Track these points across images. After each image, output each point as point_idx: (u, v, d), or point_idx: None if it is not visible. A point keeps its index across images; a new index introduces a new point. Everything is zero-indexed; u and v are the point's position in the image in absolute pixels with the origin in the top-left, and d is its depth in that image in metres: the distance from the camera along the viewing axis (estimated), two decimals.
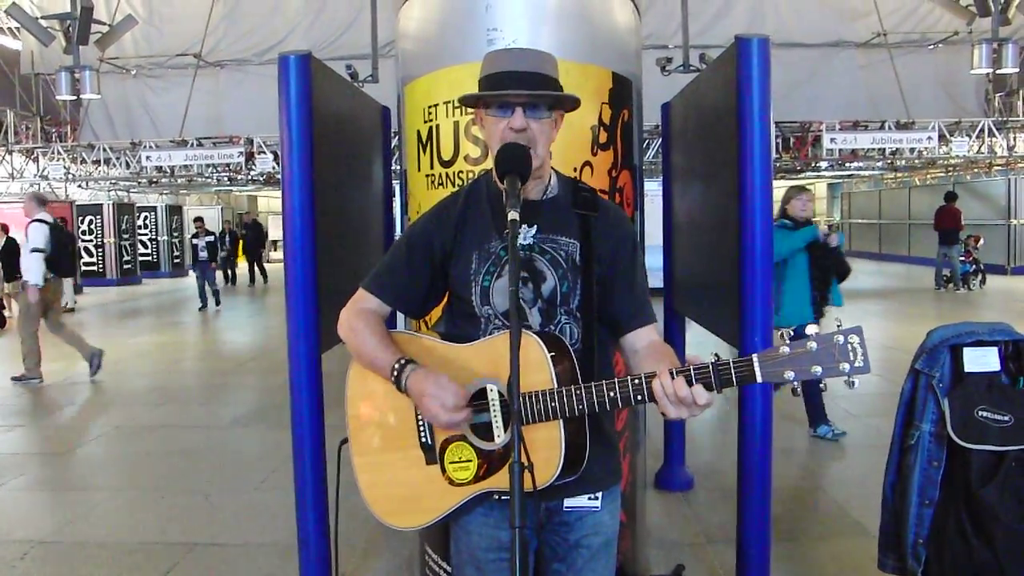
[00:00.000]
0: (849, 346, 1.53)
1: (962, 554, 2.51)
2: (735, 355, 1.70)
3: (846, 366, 1.52)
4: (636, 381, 1.63)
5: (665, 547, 3.96)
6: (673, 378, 1.58)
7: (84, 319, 14.34)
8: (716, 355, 1.60)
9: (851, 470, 5.13)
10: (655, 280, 4.51)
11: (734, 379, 1.57)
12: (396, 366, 1.77)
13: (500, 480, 1.75)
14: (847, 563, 3.78)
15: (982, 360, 2.57)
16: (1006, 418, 2.46)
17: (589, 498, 1.89)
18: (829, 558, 3.84)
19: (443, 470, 1.80)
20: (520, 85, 1.75)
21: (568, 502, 1.88)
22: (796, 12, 16.72)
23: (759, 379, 1.56)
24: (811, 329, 1.55)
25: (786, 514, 4.21)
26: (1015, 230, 19.33)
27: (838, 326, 1.56)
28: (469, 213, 1.90)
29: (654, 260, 4.21)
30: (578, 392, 1.66)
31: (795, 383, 1.56)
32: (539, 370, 1.69)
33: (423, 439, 1.82)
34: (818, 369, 1.53)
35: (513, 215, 1.66)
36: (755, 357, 1.56)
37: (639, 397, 1.63)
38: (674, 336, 4.72)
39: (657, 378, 1.60)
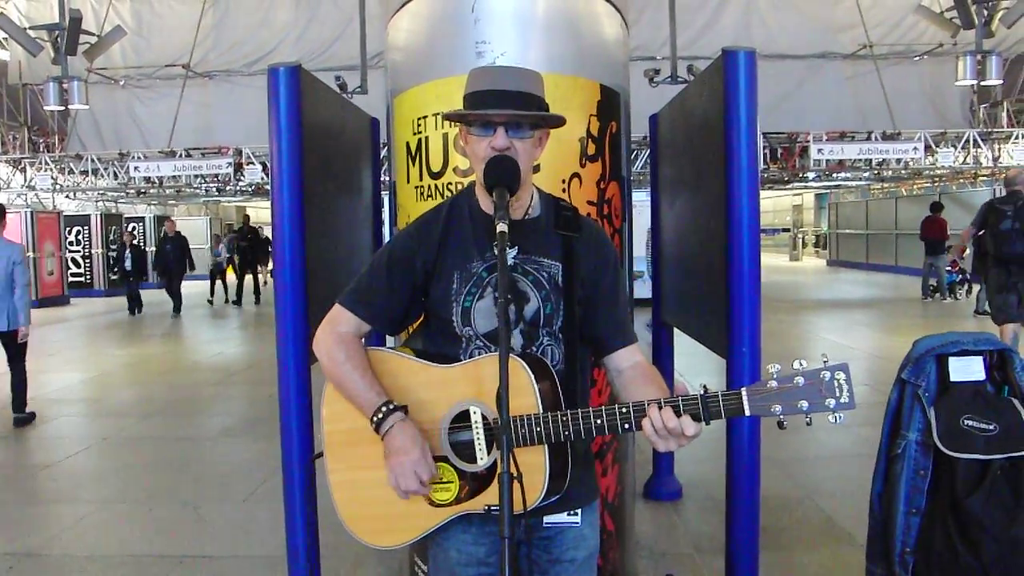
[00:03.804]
0: (835, 382, 1.57)
1: (949, 562, 2.52)
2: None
3: (832, 402, 1.57)
4: (624, 410, 1.64)
5: (654, 557, 3.96)
6: (661, 408, 1.60)
7: (72, 330, 14.26)
8: (704, 387, 1.62)
9: (839, 479, 5.14)
10: (644, 291, 4.53)
11: (723, 411, 1.60)
12: (380, 412, 1.75)
13: (481, 502, 1.76)
14: (835, 572, 3.78)
15: (967, 369, 2.59)
16: (991, 427, 2.48)
17: (569, 514, 1.89)
18: (817, 567, 3.85)
19: None
20: (502, 104, 1.75)
21: (548, 519, 1.88)
22: (783, 24, 16.87)
23: (747, 412, 1.59)
24: (798, 364, 1.58)
25: (774, 523, 4.22)
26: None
27: (825, 362, 1.59)
28: (451, 231, 1.89)
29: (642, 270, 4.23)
30: (564, 418, 1.66)
31: (782, 417, 1.59)
32: (525, 394, 1.69)
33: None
34: (804, 404, 1.57)
35: (502, 227, 1.66)
36: (744, 390, 1.59)
37: (626, 426, 1.65)
38: (662, 347, 4.74)
39: (647, 416, 1.61)
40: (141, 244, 22.46)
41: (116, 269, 18.24)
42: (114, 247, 20.61)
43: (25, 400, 7.08)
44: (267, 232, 23.27)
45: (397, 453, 1.71)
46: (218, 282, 18.61)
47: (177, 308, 16.23)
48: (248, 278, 18.71)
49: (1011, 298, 7.24)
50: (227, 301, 18.36)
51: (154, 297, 17.11)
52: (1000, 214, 7.25)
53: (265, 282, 21.95)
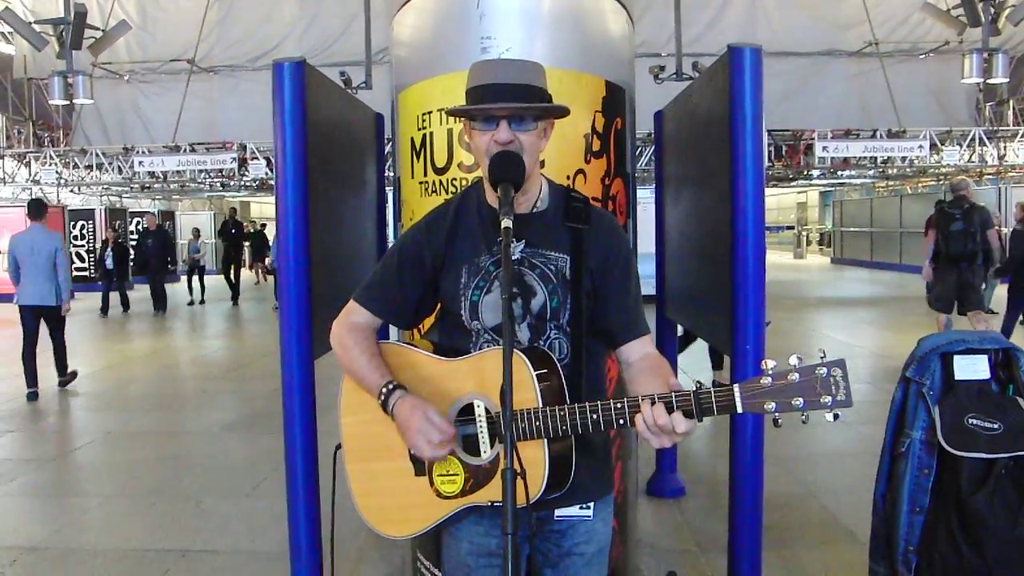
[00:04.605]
0: (832, 379, 1.53)
1: (952, 561, 2.51)
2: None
3: (828, 399, 1.53)
4: (619, 406, 1.63)
5: (657, 554, 3.96)
6: (653, 404, 1.59)
7: (75, 324, 14.27)
8: (699, 383, 1.61)
9: (842, 477, 5.14)
10: (647, 287, 4.53)
11: (715, 408, 1.58)
12: (383, 391, 1.77)
13: (487, 494, 1.76)
14: (838, 570, 3.78)
15: (972, 368, 2.58)
16: (996, 426, 2.47)
17: (581, 507, 1.89)
18: (820, 566, 3.85)
19: (431, 482, 1.81)
20: (504, 97, 1.74)
21: (559, 512, 1.88)
22: (788, 21, 16.86)
23: (739, 409, 1.56)
24: (794, 360, 1.54)
25: (777, 521, 4.21)
26: (1005, 239, 19.39)
27: (822, 357, 1.55)
28: (459, 226, 1.89)
29: (647, 268, 4.23)
30: (561, 413, 1.66)
31: (776, 414, 1.56)
32: (524, 389, 1.69)
33: (412, 451, 1.82)
34: (800, 401, 1.53)
35: (507, 223, 1.66)
36: (736, 387, 1.57)
37: (621, 421, 1.64)
38: (666, 343, 4.74)
39: (639, 413, 1.60)
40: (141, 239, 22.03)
41: (96, 269, 17.39)
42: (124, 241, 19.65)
43: (66, 364, 8.41)
44: (264, 226, 22.75)
45: (405, 428, 1.73)
46: (195, 281, 17.32)
47: (162, 307, 15.37)
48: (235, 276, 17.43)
49: (950, 292, 8.37)
50: (195, 302, 17.04)
51: (140, 294, 16.08)
52: (950, 217, 8.26)
53: (264, 278, 21.53)
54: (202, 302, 17.14)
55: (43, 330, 8.07)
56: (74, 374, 8.49)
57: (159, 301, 15.42)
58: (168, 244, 16.29)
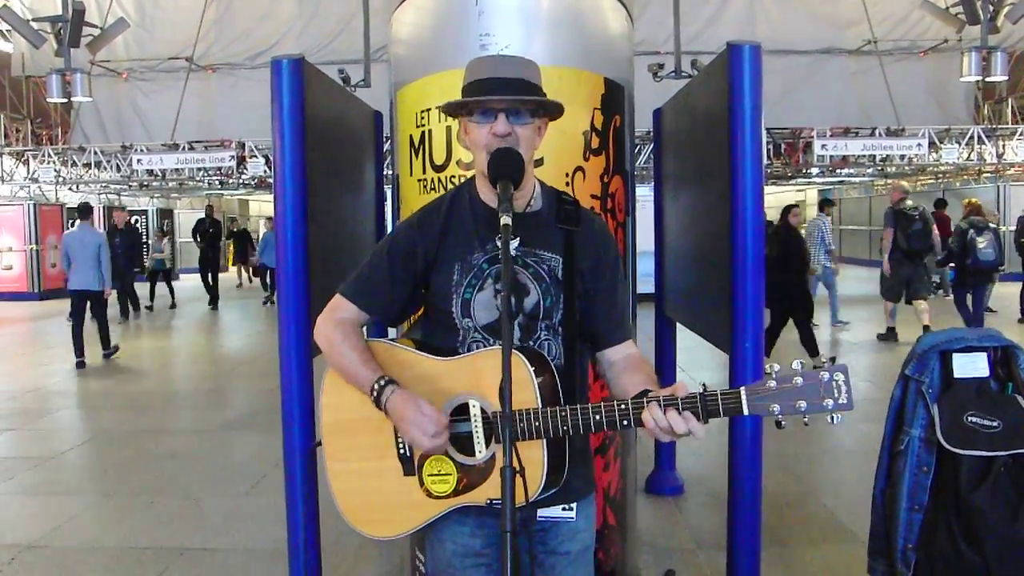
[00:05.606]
0: (834, 383, 1.58)
1: (952, 559, 2.51)
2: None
3: (830, 402, 1.58)
4: (623, 407, 1.64)
5: (655, 552, 3.96)
6: (663, 409, 1.60)
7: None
8: (704, 385, 1.63)
9: (841, 475, 5.14)
10: (647, 286, 4.52)
11: (721, 411, 1.60)
12: (376, 385, 1.74)
13: (479, 495, 1.75)
14: (837, 569, 3.78)
15: (971, 366, 2.57)
16: (995, 423, 2.47)
17: (564, 508, 1.89)
18: (819, 564, 3.85)
19: (421, 482, 1.79)
20: (503, 91, 1.75)
21: (542, 512, 1.87)
22: (787, 19, 16.82)
23: (746, 412, 1.59)
24: (797, 364, 1.60)
25: (776, 520, 4.22)
26: (1004, 237, 19.38)
27: (824, 362, 1.62)
28: (452, 222, 1.88)
29: (646, 266, 4.22)
30: (563, 414, 1.65)
31: (780, 417, 1.60)
32: (524, 389, 1.68)
33: (401, 450, 1.80)
34: (803, 404, 1.58)
35: (506, 219, 1.66)
36: (743, 390, 1.60)
37: (624, 422, 1.64)
38: (665, 342, 4.73)
39: (647, 411, 1.61)
40: (146, 237, 20.63)
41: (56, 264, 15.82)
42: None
43: (108, 340, 10.01)
44: (253, 225, 21.62)
45: (400, 420, 1.71)
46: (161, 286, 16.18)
47: (136, 307, 14.54)
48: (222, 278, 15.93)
49: (901, 284, 9.81)
50: (154, 308, 15.68)
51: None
52: (911, 219, 9.62)
53: (250, 280, 21.12)
54: (149, 307, 15.66)
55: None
56: (116, 347, 10.13)
57: (132, 304, 14.39)
58: (137, 244, 15.03)
